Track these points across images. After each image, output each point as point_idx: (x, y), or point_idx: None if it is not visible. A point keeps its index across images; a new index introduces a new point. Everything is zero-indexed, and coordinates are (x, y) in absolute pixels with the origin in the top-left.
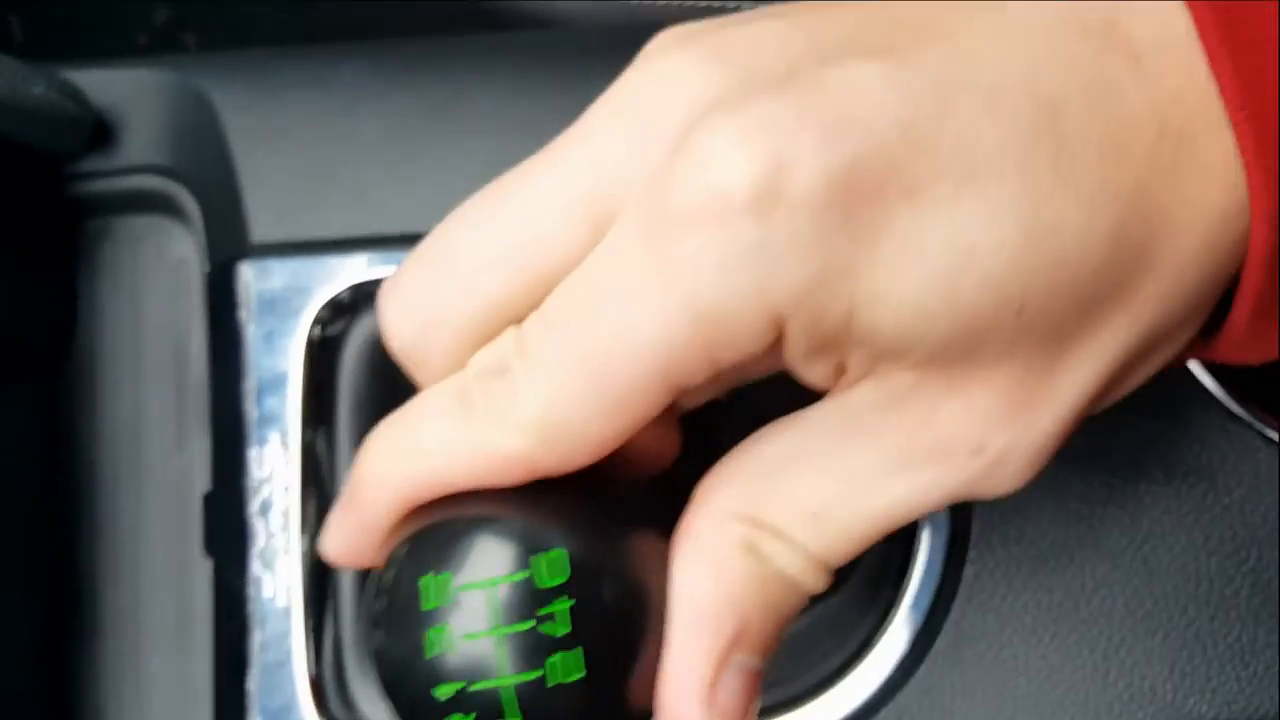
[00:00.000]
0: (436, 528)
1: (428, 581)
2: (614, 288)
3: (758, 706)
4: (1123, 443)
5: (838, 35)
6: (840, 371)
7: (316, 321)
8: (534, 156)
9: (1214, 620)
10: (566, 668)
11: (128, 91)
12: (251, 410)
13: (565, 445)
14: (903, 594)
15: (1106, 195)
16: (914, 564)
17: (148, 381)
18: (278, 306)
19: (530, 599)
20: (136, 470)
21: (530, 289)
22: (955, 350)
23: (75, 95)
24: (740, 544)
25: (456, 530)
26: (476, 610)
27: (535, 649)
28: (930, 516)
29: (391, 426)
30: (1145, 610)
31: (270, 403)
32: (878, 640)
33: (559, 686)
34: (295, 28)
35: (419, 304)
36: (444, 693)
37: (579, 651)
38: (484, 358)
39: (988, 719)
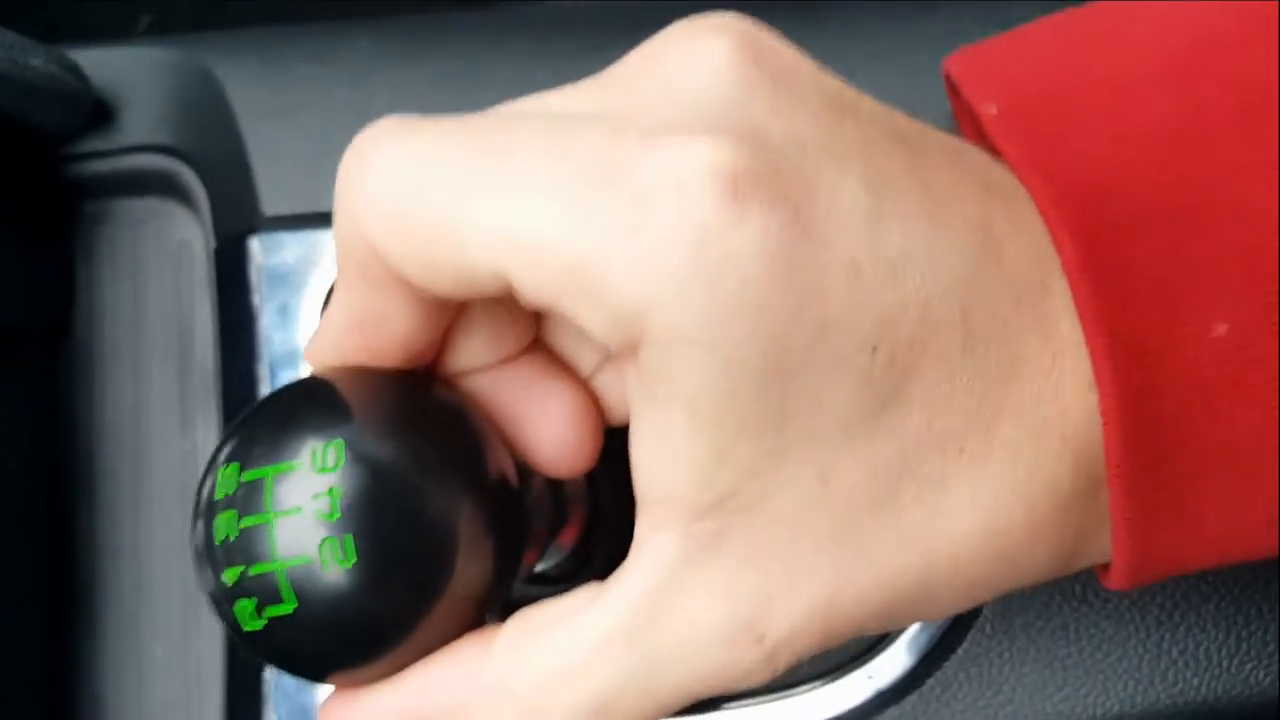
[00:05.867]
0: (240, 423)
1: (222, 472)
2: None
3: None
4: None
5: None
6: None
7: (330, 293)
8: None
9: (1270, 585)
10: (336, 553)
11: (129, 69)
12: (265, 385)
13: (358, 328)
14: None
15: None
16: None
17: (150, 366)
18: (290, 280)
19: (305, 486)
20: (138, 456)
21: None
22: (758, 485)
23: (75, 70)
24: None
25: (252, 424)
26: (257, 496)
27: (307, 534)
28: None
29: None
30: (1199, 576)
31: (284, 376)
32: None
33: (331, 572)
34: (300, 7)
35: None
36: (230, 577)
37: (349, 539)
38: None
39: (1038, 686)
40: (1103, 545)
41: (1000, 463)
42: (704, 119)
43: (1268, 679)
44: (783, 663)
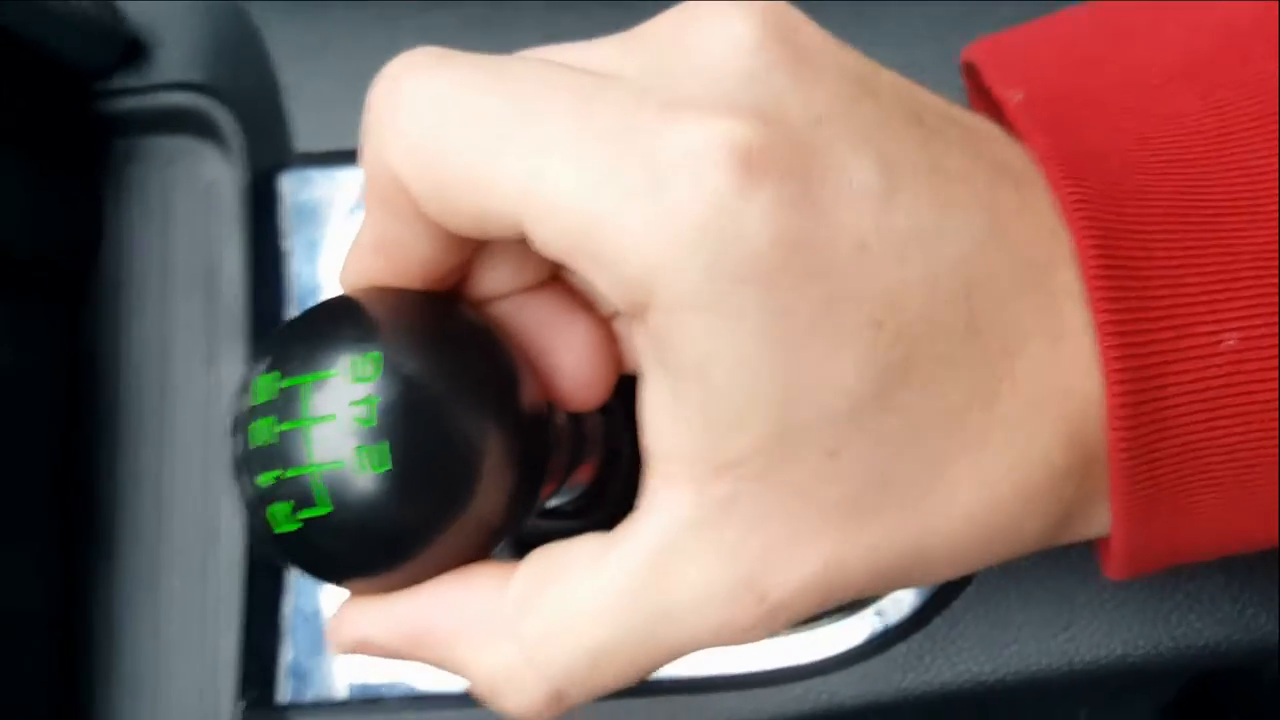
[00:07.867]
0: (278, 335)
1: (260, 380)
2: None
3: None
4: None
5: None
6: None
7: None
8: None
9: None
10: (372, 459)
11: (163, 7)
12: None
13: (381, 251)
14: None
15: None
16: None
17: (176, 302)
18: (318, 216)
19: (341, 394)
20: (163, 391)
21: None
22: (771, 457)
23: (111, 6)
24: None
25: (290, 336)
26: (294, 403)
27: (343, 439)
28: None
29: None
30: None
31: None
32: None
33: (365, 477)
34: None
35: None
36: (266, 480)
37: (384, 446)
38: None
39: (1042, 626)
40: (1090, 522)
41: (999, 439)
42: (725, 94)
43: (1269, 624)
44: (781, 622)
